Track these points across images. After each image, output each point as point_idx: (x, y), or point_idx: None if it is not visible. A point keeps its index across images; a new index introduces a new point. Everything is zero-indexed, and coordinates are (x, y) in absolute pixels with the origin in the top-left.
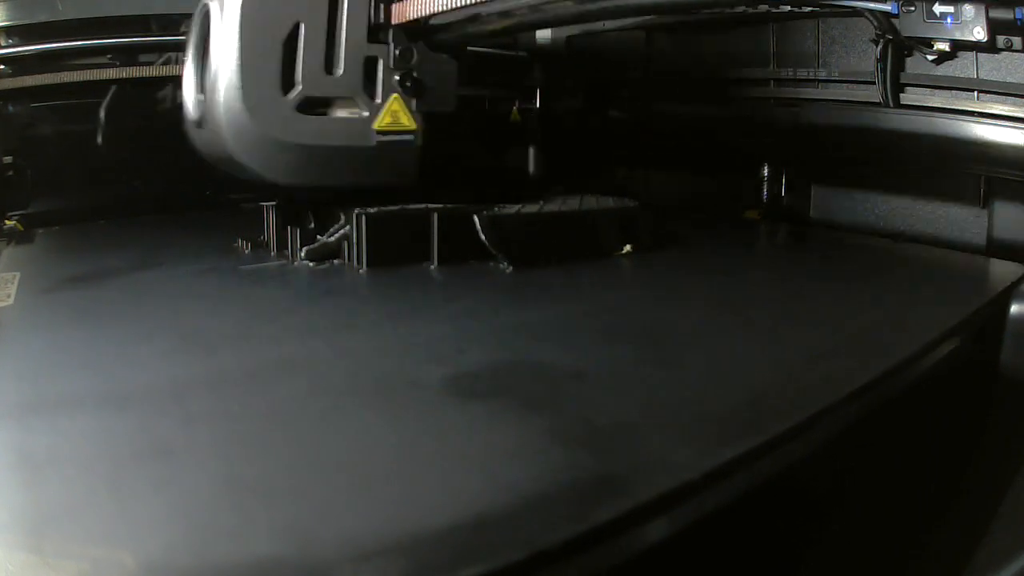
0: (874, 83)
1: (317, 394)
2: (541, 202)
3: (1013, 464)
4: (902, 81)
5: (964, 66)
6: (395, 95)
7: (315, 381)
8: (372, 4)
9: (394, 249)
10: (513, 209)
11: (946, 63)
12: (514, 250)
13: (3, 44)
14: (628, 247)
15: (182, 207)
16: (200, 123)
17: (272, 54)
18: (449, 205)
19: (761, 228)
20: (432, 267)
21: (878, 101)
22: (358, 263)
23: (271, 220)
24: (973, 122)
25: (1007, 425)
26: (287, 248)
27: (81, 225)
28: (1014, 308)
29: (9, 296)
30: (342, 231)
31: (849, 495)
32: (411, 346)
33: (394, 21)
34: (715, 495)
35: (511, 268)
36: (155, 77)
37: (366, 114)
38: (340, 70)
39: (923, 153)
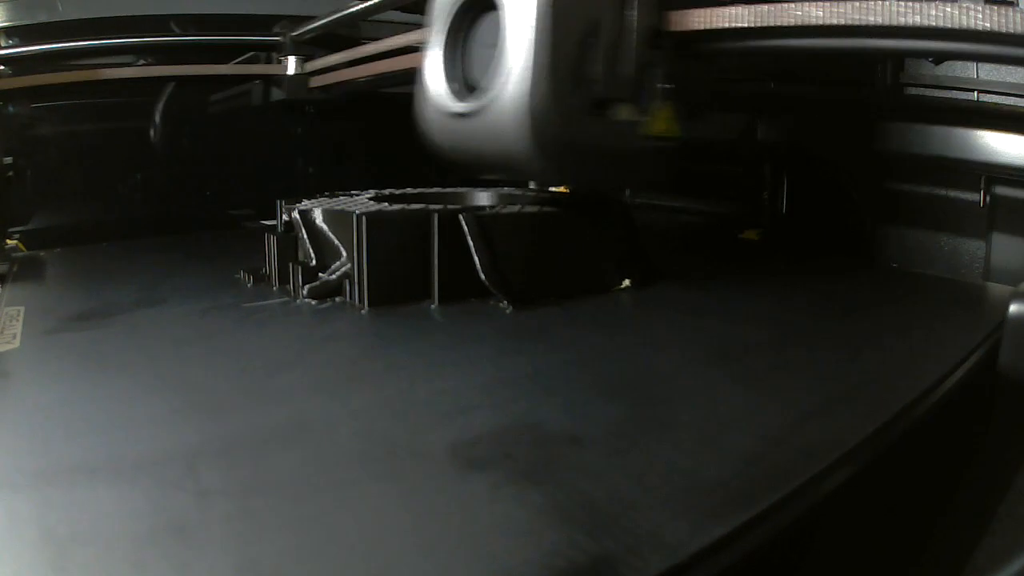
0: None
1: (323, 464)
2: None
3: (1013, 464)
4: (902, 81)
5: (964, 66)
6: (666, 101)
7: (321, 448)
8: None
9: (395, 287)
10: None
11: (946, 63)
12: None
13: (3, 44)
14: (627, 282)
15: (184, 227)
16: (471, 115)
17: (573, 53)
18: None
19: (760, 252)
20: (433, 306)
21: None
22: (359, 302)
23: (272, 253)
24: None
25: (1007, 425)
26: (289, 283)
27: (83, 247)
28: (1013, 308)
29: (15, 337)
30: (343, 268)
31: (848, 511)
32: (413, 405)
33: (672, 28)
34: (707, 571)
35: (510, 308)
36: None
37: (644, 118)
38: (626, 72)
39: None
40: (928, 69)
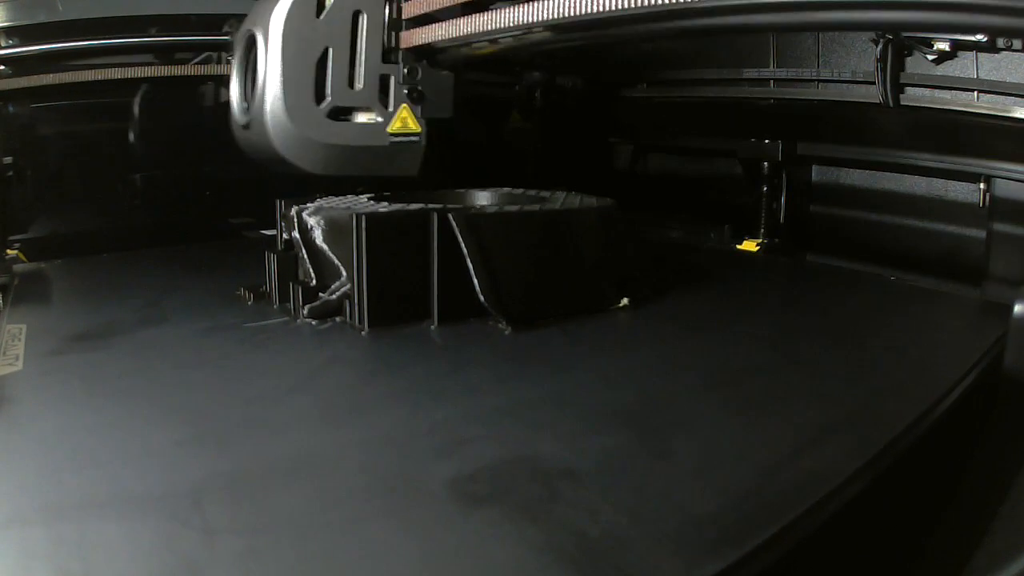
0: (874, 83)
1: (327, 500)
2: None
3: (1013, 464)
4: (902, 81)
5: (964, 66)
6: (404, 104)
7: (325, 483)
8: (385, 32)
9: (395, 308)
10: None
11: (946, 63)
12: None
13: (3, 44)
14: (625, 300)
15: (185, 238)
16: (247, 126)
17: (308, 73)
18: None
19: (758, 265)
20: (432, 327)
21: (878, 102)
22: (360, 322)
23: (272, 272)
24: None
25: (1007, 425)
26: (289, 302)
27: (84, 258)
28: (1018, 309)
29: (18, 359)
30: (343, 289)
31: (846, 527)
32: (414, 436)
33: (403, 46)
34: None
35: (509, 329)
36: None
37: (381, 120)
38: (360, 85)
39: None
40: (928, 68)
